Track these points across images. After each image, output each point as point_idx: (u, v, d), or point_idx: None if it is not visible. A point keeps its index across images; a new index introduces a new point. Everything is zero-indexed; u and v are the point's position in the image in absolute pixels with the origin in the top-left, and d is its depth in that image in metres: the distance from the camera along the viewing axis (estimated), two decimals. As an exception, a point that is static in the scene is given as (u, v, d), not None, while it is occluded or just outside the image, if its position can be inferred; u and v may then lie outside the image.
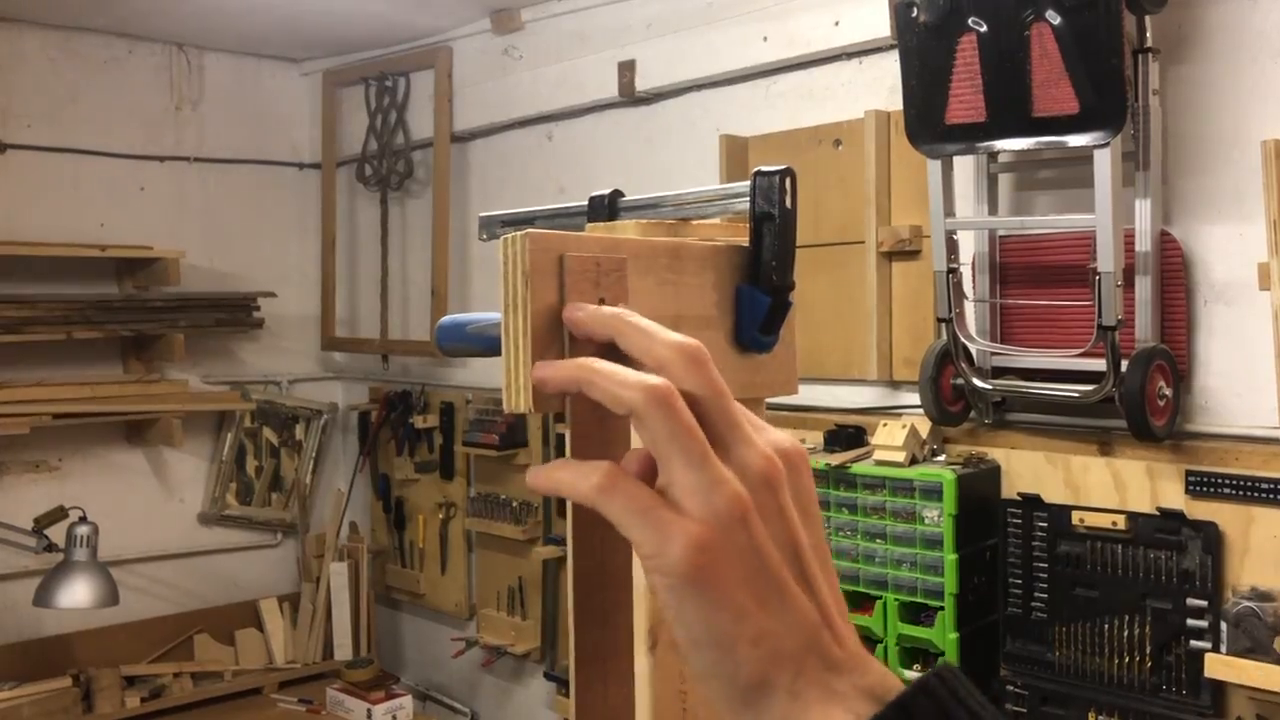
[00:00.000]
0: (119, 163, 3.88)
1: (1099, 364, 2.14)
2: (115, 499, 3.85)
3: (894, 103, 2.56)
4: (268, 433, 4.24)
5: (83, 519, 3.39)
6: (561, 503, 3.50)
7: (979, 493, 2.41)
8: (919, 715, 0.45)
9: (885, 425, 2.51)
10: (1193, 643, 2.14)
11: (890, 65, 2.60)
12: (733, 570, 0.46)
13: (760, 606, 0.46)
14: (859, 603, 2.51)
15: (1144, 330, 2.16)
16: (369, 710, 3.66)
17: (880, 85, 2.69)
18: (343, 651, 4.00)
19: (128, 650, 3.79)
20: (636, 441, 0.48)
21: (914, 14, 2.22)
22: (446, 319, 0.74)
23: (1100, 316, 2.08)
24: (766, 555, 0.46)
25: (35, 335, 3.47)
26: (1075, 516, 2.30)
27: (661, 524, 0.46)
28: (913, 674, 2.40)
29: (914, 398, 2.54)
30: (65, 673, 3.57)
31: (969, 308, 2.40)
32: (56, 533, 3.40)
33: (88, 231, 3.80)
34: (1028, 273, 2.39)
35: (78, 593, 3.29)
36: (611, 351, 0.52)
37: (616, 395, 0.48)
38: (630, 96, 3.23)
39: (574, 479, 0.49)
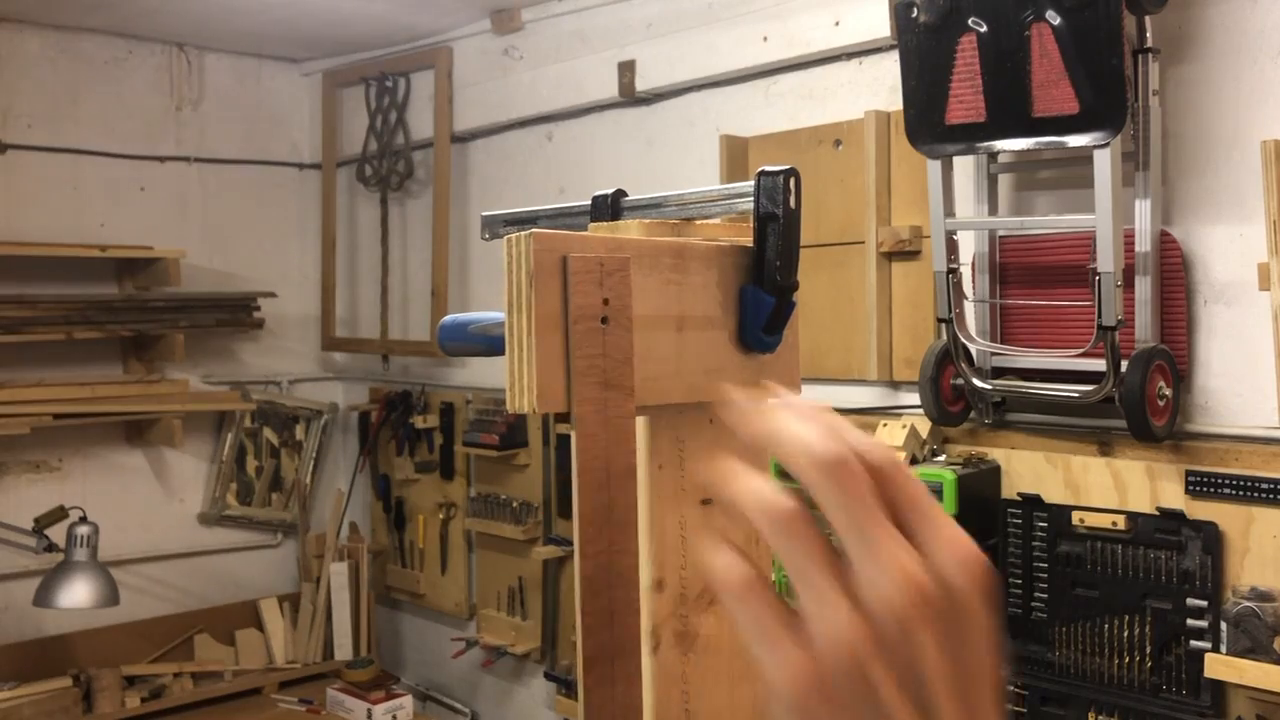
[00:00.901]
0: (119, 163, 3.89)
1: (1099, 364, 2.14)
2: (115, 499, 3.85)
3: (894, 103, 2.56)
4: (268, 433, 4.24)
5: (83, 519, 3.39)
6: (562, 502, 3.50)
7: (979, 493, 2.41)
8: None
9: (885, 425, 2.51)
10: (1193, 643, 2.14)
11: (890, 65, 2.61)
12: (844, 712, 0.43)
13: None
14: (859, 603, 2.51)
15: (1144, 330, 2.16)
16: (369, 710, 3.66)
17: (880, 85, 2.69)
18: (343, 651, 4.00)
19: (128, 650, 3.79)
20: (642, 442, 0.49)
21: (914, 14, 2.22)
22: (449, 318, 0.74)
23: (1100, 317, 2.08)
24: (882, 702, 0.43)
25: (35, 335, 3.47)
26: (1075, 516, 2.31)
27: (775, 649, 0.44)
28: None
29: (914, 398, 2.54)
30: (65, 673, 3.57)
31: (969, 308, 2.40)
32: (57, 533, 3.40)
33: (88, 231, 3.80)
34: (1028, 273, 2.39)
35: (78, 593, 3.29)
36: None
37: (751, 519, 0.46)
38: (630, 97, 3.23)
39: (722, 568, 0.47)
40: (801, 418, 0.47)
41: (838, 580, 0.44)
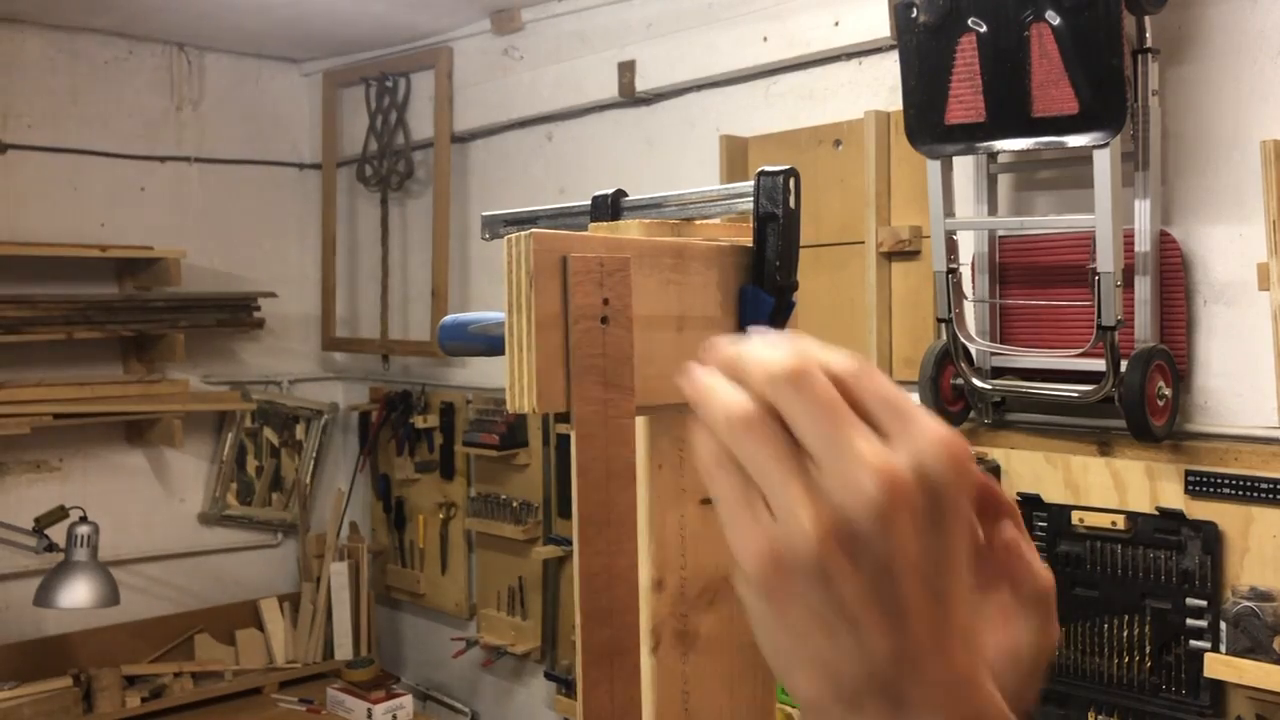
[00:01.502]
0: (120, 163, 3.89)
1: (1098, 364, 2.14)
2: (116, 499, 3.85)
3: (894, 103, 2.56)
4: (268, 433, 4.24)
5: (83, 519, 3.39)
6: (562, 502, 3.50)
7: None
8: None
9: (885, 425, 2.51)
10: (1192, 642, 2.14)
11: (890, 65, 2.61)
12: (801, 596, 0.44)
13: (826, 635, 0.44)
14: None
15: (1143, 330, 2.16)
16: (369, 710, 3.66)
17: (880, 85, 2.69)
18: (343, 651, 4.00)
19: (128, 650, 3.79)
20: (642, 442, 0.49)
21: (914, 14, 2.23)
22: (449, 318, 0.74)
23: (1100, 317, 2.08)
24: (839, 587, 0.43)
25: (36, 335, 3.47)
26: (1075, 516, 2.31)
27: (743, 529, 0.45)
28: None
29: (914, 398, 2.54)
30: (66, 672, 3.57)
31: (969, 308, 2.40)
32: (57, 533, 3.40)
33: (88, 231, 3.80)
34: (1027, 273, 2.39)
35: (78, 593, 3.29)
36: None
37: (708, 420, 0.46)
38: (630, 97, 3.23)
39: (702, 438, 0.47)
40: (766, 341, 0.47)
41: (803, 479, 0.44)
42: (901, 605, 0.43)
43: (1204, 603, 2.14)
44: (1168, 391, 2.14)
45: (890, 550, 0.43)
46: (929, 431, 0.44)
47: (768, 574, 0.44)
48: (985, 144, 2.22)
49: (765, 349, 0.46)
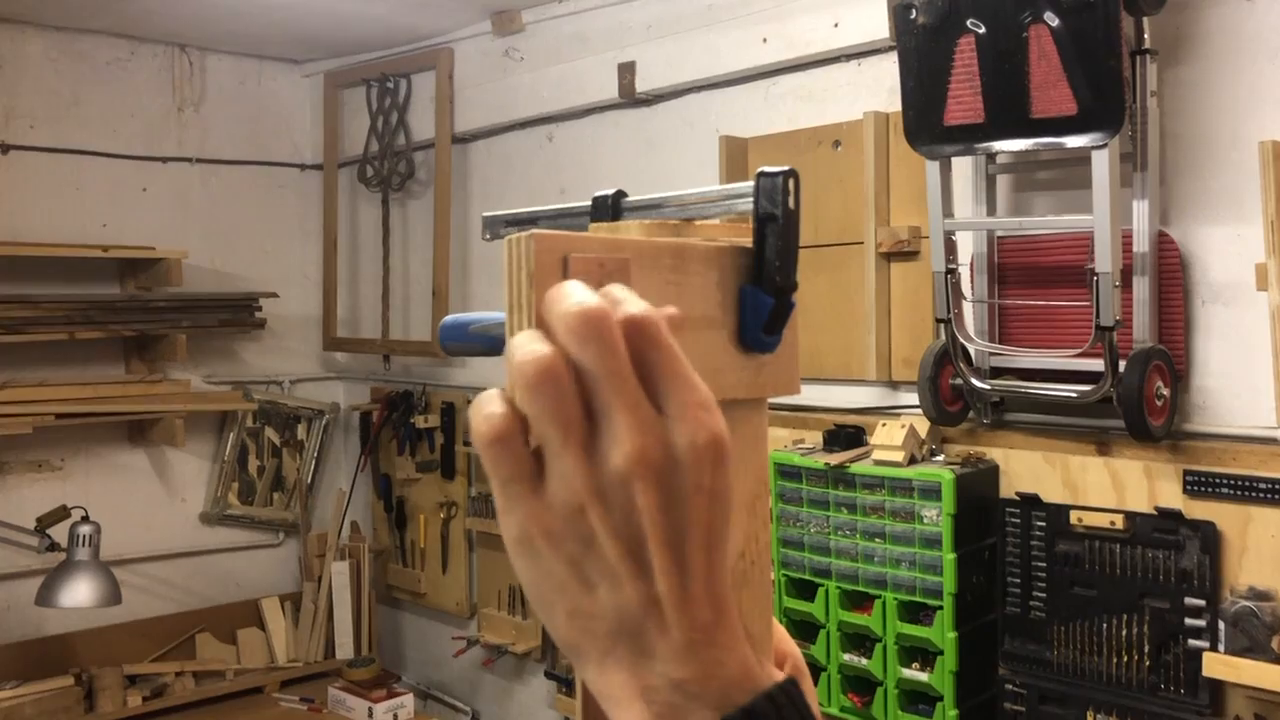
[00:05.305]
0: (121, 163, 3.90)
1: (1097, 364, 2.15)
2: (117, 499, 3.86)
3: (893, 104, 2.57)
4: (269, 433, 4.24)
5: (85, 518, 3.40)
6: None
7: (977, 492, 2.42)
8: None
9: (884, 425, 2.52)
10: (1191, 642, 2.15)
11: (889, 67, 2.61)
12: (563, 550, 0.48)
13: (583, 587, 0.49)
14: (858, 602, 2.52)
15: (1142, 330, 2.16)
16: (370, 709, 3.67)
17: (879, 86, 2.70)
18: (344, 650, 4.01)
19: (130, 649, 3.79)
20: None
21: (913, 15, 2.23)
22: (449, 318, 0.75)
23: (1098, 317, 2.09)
24: (599, 545, 0.48)
25: (38, 335, 3.48)
26: (1073, 516, 2.31)
27: (509, 495, 0.49)
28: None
29: (913, 398, 2.54)
30: (67, 672, 3.58)
31: (967, 308, 2.41)
32: (59, 532, 3.41)
33: (90, 232, 3.81)
34: (1026, 273, 2.40)
35: (80, 592, 3.30)
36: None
37: (511, 374, 0.50)
38: (630, 98, 3.24)
39: (481, 418, 0.51)
40: (575, 288, 0.50)
41: (576, 435, 0.48)
42: (646, 564, 0.48)
43: (1202, 602, 2.14)
44: (1166, 392, 2.15)
45: (636, 516, 0.48)
46: (690, 418, 0.48)
47: (535, 534, 0.49)
48: (984, 145, 2.23)
49: (571, 295, 0.49)
